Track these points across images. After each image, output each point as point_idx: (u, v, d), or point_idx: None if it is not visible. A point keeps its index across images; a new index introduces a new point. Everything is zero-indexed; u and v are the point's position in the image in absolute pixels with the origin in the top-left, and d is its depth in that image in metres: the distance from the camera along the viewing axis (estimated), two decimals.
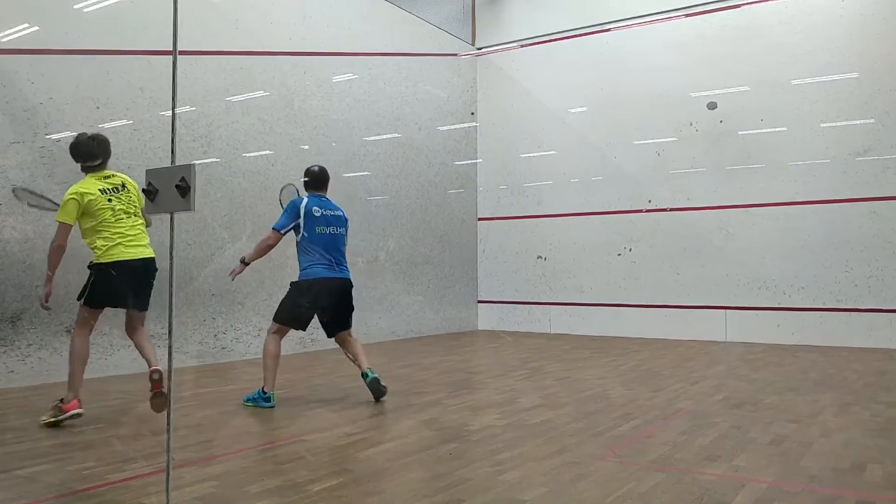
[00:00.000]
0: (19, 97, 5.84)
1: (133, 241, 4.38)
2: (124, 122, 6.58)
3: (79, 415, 4.18)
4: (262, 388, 4.91)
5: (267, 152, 8.06)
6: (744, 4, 9.70)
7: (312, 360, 7.47)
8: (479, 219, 11.90)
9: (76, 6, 6.35)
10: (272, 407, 4.88)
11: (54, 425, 4.15)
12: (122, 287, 4.32)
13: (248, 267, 5.12)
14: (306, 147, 8.62)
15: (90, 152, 4.38)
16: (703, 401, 5.17)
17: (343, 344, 5.24)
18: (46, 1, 6.09)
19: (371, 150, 9.62)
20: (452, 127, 11.35)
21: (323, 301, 5.04)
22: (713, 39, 9.88)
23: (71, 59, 6.22)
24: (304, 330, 5.18)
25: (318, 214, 5.07)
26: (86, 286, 4.33)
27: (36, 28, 5.99)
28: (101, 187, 4.31)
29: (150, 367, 4.30)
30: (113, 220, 4.31)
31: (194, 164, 2.38)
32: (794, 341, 9.05)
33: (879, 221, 8.73)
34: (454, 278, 11.25)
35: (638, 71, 10.39)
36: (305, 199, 5.12)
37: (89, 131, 4.73)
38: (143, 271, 4.43)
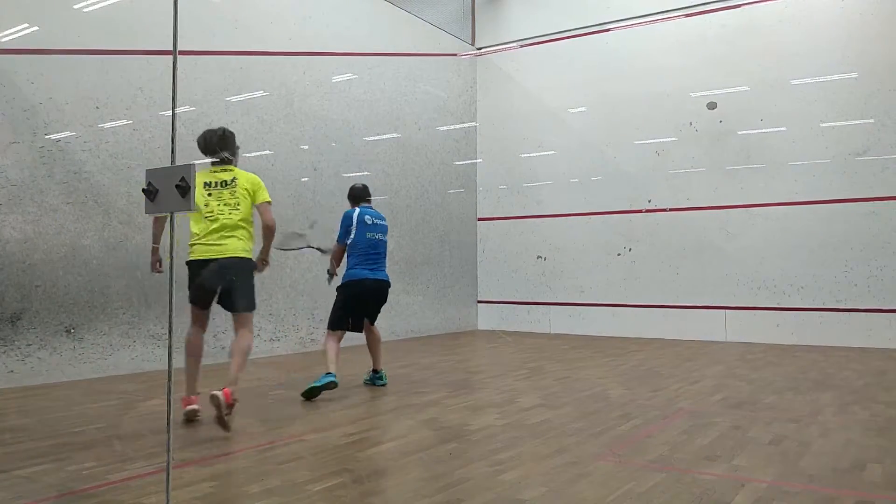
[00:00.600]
0: (19, 97, 5.85)
1: (211, 239, 4.21)
2: (124, 122, 6.58)
3: (194, 411, 4.26)
4: (328, 370, 5.31)
5: (267, 152, 8.06)
6: (744, 4, 9.71)
7: (312, 361, 7.47)
8: (479, 219, 11.90)
9: (76, 6, 6.35)
10: (335, 383, 5.24)
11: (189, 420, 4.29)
12: (195, 287, 4.23)
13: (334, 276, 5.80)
14: (306, 147, 8.63)
15: (205, 146, 4.38)
16: (703, 401, 5.18)
17: (369, 332, 5.87)
18: (46, 1, 6.09)
19: (371, 150, 9.62)
20: (452, 127, 11.35)
21: (365, 299, 5.69)
22: (713, 39, 9.88)
23: (71, 59, 6.22)
24: (360, 330, 5.76)
25: (369, 222, 5.76)
26: None
27: (36, 28, 5.99)
28: (206, 180, 4.30)
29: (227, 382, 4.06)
30: (200, 216, 4.22)
31: (194, 164, 2.38)
32: (794, 341, 9.05)
33: (879, 221, 8.73)
34: (454, 278, 11.26)
35: (638, 71, 10.39)
36: (357, 210, 5.83)
37: (220, 126, 4.66)
38: (217, 271, 4.20)
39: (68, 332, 6.06)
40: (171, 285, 2.59)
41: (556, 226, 11.07)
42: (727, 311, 9.60)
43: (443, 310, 10.98)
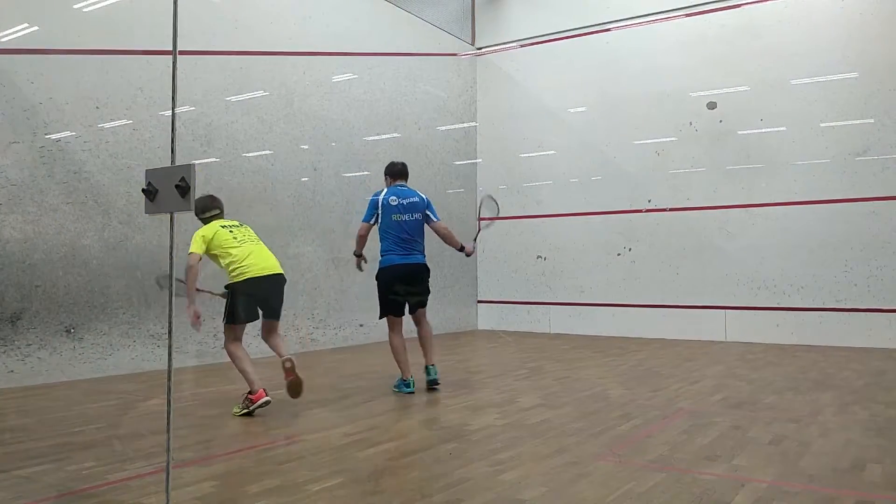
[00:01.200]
0: (19, 97, 5.85)
1: (261, 257, 4.82)
2: (124, 121, 6.58)
3: (267, 402, 4.64)
4: (402, 377, 5.47)
5: (267, 152, 8.06)
6: (744, 4, 9.70)
7: (312, 361, 7.47)
8: (479, 219, 11.87)
9: (76, 6, 6.35)
10: (412, 392, 5.40)
11: (248, 415, 4.62)
12: (252, 302, 4.82)
13: (361, 259, 5.69)
14: (306, 147, 8.62)
15: (207, 206, 4.89)
16: (703, 401, 5.18)
17: (418, 324, 5.70)
18: (46, 1, 6.10)
19: (371, 150, 9.62)
20: (452, 127, 11.35)
21: (400, 285, 5.53)
22: (713, 39, 9.88)
23: (71, 59, 6.22)
24: (401, 315, 5.60)
25: (394, 204, 5.54)
26: (225, 307, 4.89)
27: (36, 28, 5.99)
28: (222, 225, 4.85)
29: (280, 357, 4.75)
30: (237, 244, 4.75)
31: (194, 164, 2.38)
32: (794, 341, 9.05)
33: (879, 221, 8.72)
34: (454, 278, 11.25)
35: (638, 71, 10.39)
36: (384, 191, 5.63)
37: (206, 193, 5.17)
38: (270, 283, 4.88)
39: (68, 332, 6.06)
40: (171, 285, 2.60)
41: (556, 226, 11.06)
42: (727, 311, 9.60)
43: (443, 310, 10.97)
